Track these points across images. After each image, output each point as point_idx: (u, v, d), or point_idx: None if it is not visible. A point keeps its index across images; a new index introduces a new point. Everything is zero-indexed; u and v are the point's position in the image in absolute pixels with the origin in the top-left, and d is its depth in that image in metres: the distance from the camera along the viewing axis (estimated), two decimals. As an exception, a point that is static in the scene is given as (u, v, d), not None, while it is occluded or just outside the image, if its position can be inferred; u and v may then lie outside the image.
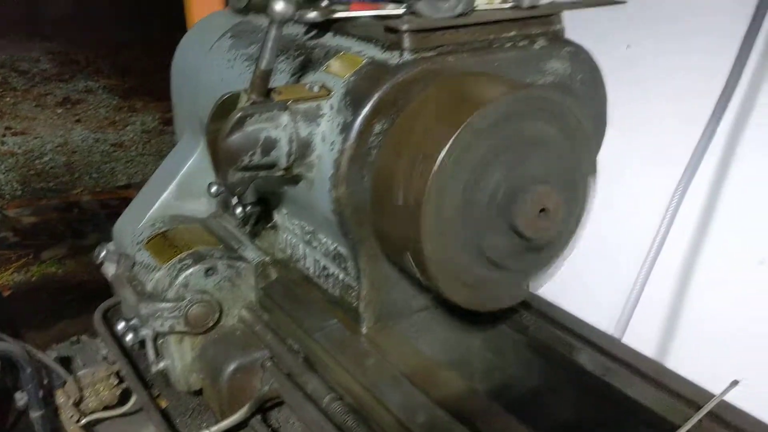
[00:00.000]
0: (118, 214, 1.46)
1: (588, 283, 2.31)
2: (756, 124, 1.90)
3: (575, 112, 0.94)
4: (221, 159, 0.94)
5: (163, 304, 1.17)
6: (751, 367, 2.02)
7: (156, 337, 1.25)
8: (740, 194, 1.98)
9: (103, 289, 1.46)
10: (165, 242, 1.28)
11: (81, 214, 4.22)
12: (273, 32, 0.91)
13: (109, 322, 1.49)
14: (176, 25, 3.20)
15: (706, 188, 2.01)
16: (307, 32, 1.14)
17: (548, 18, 1.07)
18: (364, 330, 1.06)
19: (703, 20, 1.94)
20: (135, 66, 6.89)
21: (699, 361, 2.16)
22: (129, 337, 1.29)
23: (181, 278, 1.19)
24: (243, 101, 0.94)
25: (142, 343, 1.25)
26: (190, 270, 1.19)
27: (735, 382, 0.96)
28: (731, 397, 0.99)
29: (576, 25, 1.16)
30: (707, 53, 1.93)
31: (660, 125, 2.07)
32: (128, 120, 5.69)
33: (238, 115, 0.92)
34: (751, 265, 1.97)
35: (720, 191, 2.00)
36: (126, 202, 1.46)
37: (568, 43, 1.09)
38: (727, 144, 1.95)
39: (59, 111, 5.92)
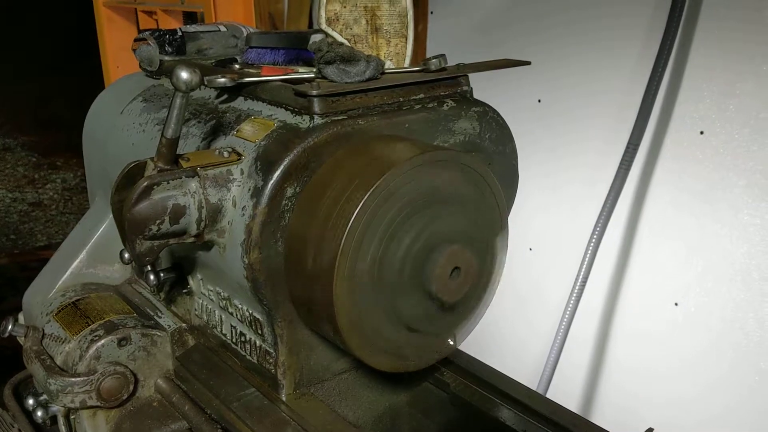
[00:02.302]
0: (37, 277, 1.40)
1: (513, 334, 2.34)
2: (663, 170, 1.99)
3: (482, 170, 0.96)
4: (128, 229, 0.91)
5: (74, 379, 1.12)
6: (671, 404, 2.07)
7: (68, 412, 1.19)
8: (653, 240, 2.06)
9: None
10: (76, 312, 1.23)
11: (-2, 277, 4.05)
12: (178, 101, 0.90)
13: (20, 396, 1.42)
14: (98, 76, 3.16)
15: (621, 234, 2.09)
16: (218, 96, 1.14)
17: (456, 80, 1.10)
18: (283, 397, 1.04)
19: (607, 83, 2.04)
20: (55, 121, 6.72)
21: (625, 401, 2.21)
22: (39, 413, 1.24)
23: (92, 350, 1.14)
24: (150, 169, 0.93)
25: (56, 418, 1.19)
26: (102, 341, 1.14)
27: (650, 430, 0.98)
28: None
29: (489, 80, 1.20)
30: (613, 106, 2.03)
31: (572, 174, 2.15)
32: (48, 178, 5.53)
33: (145, 183, 0.90)
34: (668, 306, 2.04)
35: (634, 237, 2.08)
36: (46, 263, 1.40)
37: (476, 103, 1.12)
38: (638, 190, 2.04)
39: (-26, 172, 5.72)
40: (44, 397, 1.24)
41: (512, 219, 1.09)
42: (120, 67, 2.97)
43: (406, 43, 1.16)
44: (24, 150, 6.20)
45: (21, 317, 1.40)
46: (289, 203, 0.95)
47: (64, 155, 5.91)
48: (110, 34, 3.03)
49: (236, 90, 1.10)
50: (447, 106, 1.08)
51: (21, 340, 1.27)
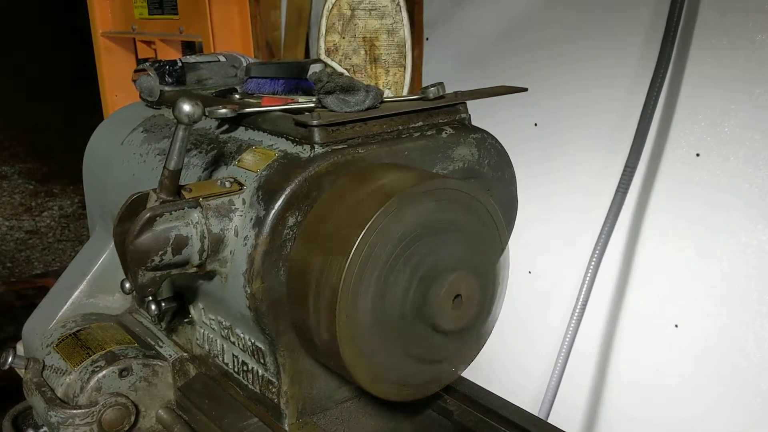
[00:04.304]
0: (34, 305, 1.39)
1: (514, 358, 2.33)
2: (660, 192, 2.00)
3: (482, 197, 0.97)
4: (130, 260, 0.91)
5: (75, 411, 1.11)
6: (673, 428, 2.06)
7: (68, 445, 1.18)
8: (652, 262, 2.06)
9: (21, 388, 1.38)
10: (77, 343, 1.22)
11: (-5, 305, 4.03)
12: (180, 133, 0.91)
13: (20, 428, 1.41)
14: (94, 103, 3.18)
15: (620, 256, 2.09)
16: (219, 126, 1.15)
17: (454, 107, 1.11)
18: (286, 427, 1.03)
19: (603, 106, 2.05)
20: (52, 148, 6.73)
21: (627, 424, 2.19)
22: (39, 446, 1.23)
23: (93, 381, 1.13)
24: (152, 201, 0.93)
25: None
26: (103, 372, 1.14)
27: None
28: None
29: (485, 104, 1.21)
30: (610, 128, 2.04)
31: (570, 196, 2.15)
32: (45, 205, 5.52)
33: (147, 215, 0.90)
34: (669, 329, 2.04)
35: (633, 261, 2.08)
36: (43, 291, 1.40)
37: (475, 129, 1.12)
38: (635, 212, 2.04)
39: (-29, 200, 5.71)
40: (44, 429, 1.23)
41: (511, 241, 1.09)
42: (119, 95, 2.98)
43: (404, 72, 1.18)
44: (21, 177, 6.20)
45: (19, 347, 1.40)
46: (291, 232, 0.95)
47: (61, 182, 5.91)
48: (108, 63, 3.05)
49: (237, 120, 1.11)
50: (446, 133, 1.09)
51: (21, 372, 1.27)
